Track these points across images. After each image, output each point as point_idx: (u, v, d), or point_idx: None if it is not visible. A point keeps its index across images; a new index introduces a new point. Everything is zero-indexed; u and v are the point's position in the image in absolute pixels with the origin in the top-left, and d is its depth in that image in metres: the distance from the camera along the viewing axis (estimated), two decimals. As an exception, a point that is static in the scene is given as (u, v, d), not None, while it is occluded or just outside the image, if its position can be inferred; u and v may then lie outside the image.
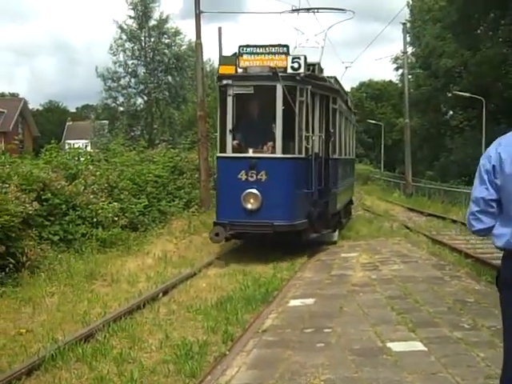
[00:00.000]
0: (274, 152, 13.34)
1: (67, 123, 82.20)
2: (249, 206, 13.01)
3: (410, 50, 53.00)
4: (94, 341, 7.38)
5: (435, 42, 51.75)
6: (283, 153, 13.29)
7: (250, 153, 13.33)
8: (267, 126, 13.33)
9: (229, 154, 13.54)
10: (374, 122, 66.19)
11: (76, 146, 26.54)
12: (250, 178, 13.02)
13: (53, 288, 10.55)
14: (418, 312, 8.14)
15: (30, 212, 12.33)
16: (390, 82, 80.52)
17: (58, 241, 13.67)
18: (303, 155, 13.52)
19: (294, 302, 8.97)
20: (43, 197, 13.97)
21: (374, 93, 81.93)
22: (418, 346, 6.69)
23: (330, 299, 9.18)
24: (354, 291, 9.63)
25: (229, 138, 13.43)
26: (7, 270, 10.78)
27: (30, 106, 74.51)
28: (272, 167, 13.12)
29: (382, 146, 65.94)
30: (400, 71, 56.45)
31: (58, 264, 12.24)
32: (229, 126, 13.33)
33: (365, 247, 14.76)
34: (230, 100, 13.30)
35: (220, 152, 13.96)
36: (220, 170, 14.33)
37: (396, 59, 63.40)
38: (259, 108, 13.94)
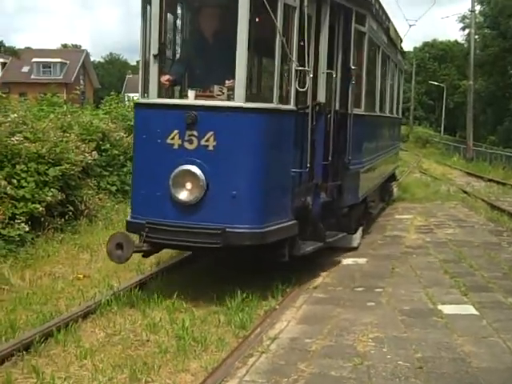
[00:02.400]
0: (231, 98, 7.04)
1: (127, 76, 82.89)
2: (182, 196, 6.88)
3: (478, 8, 51.13)
4: (148, 289, 7.55)
5: (505, 1, 49.81)
6: (248, 100, 6.95)
7: (190, 98, 7.12)
8: (222, 52, 7.34)
9: (152, 99, 7.28)
10: (436, 83, 64.61)
11: (135, 98, 26.78)
12: (188, 146, 6.90)
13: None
14: (471, 276, 8.03)
15: (90, 162, 12.58)
16: (456, 42, 78.16)
17: (116, 191, 13.93)
18: (291, 106, 7.34)
19: (346, 261, 8.96)
20: (102, 147, 14.21)
21: (437, 53, 79.74)
22: (470, 309, 6.62)
23: (382, 260, 9.14)
24: (407, 253, 9.55)
25: (153, 69, 7.30)
26: (66, 217, 11.10)
27: (92, 58, 75.50)
28: (227, 126, 6.89)
29: (444, 108, 64.46)
30: (466, 31, 54.62)
31: (114, 214, 12.51)
32: (154, 48, 7.29)
33: (420, 210, 14.58)
34: (156, 3, 7.31)
35: (141, 97, 7.71)
36: (137, 128, 7.72)
37: (463, 18, 61.21)
38: (209, 19, 7.85)
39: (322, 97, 8.07)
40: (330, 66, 8.33)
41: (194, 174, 6.83)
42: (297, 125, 7.41)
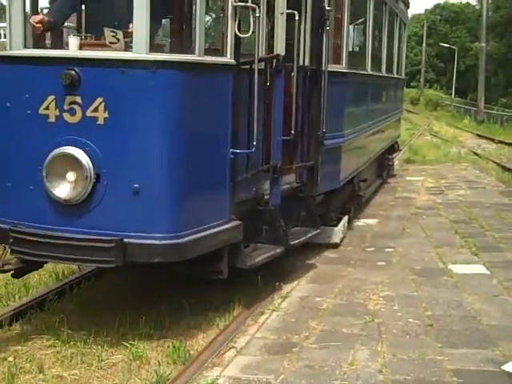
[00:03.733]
0: (129, 47, 4.88)
1: None
2: (60, 193, 4.82)
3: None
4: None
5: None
6: (155, 49, 4.92)
7: (71, 48, 5.02)
8: None
9: (16, 49, 5.06)
10: (447, 45, 63.80)
11: None
12: (68, 118, 4.80)
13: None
14: (482, 237, 8.03)
15: None
16: (467, 4, 76.99)
17: None
18: (226, 58, 5.21)
19: (356, 222, 8.96)
20: None
21: (449, 15, 78.56)
22: (481, 269, 6.63)
23: (392, 220, 9.14)
24: (418, 214, 9.55)
25: (16, 4, 5.04)
26: None
27: None
28: (123, 89, 4.77)
29: (455, 71, 63.76)
30: (478, -8, 53.71)
31: None
32: None
33: (431, 172, 14.53)
34: None
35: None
36: None
37: (475, -21, 60.37)
38: None
39: (280, 47, 5.84)
40: (294, 4, 6.16)
41: (77, 160, 4.66)
42: (237, 86, 5.15)
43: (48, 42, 5.58)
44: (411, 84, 73.45)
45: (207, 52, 5.12)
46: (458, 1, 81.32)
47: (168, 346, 4.80)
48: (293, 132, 6.22)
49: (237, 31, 5.12)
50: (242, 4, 5.13)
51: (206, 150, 5.00)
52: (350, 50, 8.34)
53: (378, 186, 11.81)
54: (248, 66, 5.32)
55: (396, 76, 13.00)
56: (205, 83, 4.98)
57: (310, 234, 6.58)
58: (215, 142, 5.13)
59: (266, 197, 5.90)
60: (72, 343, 4.96)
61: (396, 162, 14.46)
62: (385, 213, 9.70)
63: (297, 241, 6.26)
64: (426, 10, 78.18)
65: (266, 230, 5.97)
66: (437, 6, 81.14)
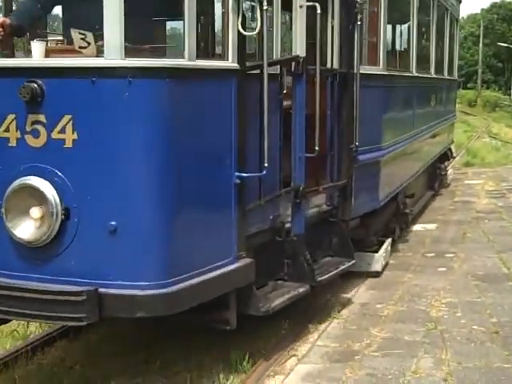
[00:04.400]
0: (101, 52, 3.84)
1: None
2: (21, 233, 3.85)
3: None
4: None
5: None
6: (131, 53, 3.80)
7: (34, 56, 3.97)
8: None
9: None
10: (504, 45, 62.40)
11: None
12: (31, 142, 3.85)
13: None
14: (547, 241, 7.80)
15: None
16: (526, 1, 75.18)
17: None
18: (228, 62, 4.23)
19: (415, 227, 8.83)
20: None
21: (506, 14, 76.90)
22: (547, 274, 6.44)
23: (452, 225, 8.97)
24: (479, 218, 9.35)
25: None
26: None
27: None
28: (95, 103, 3.77)
29: (513, 70, 62.27)
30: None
31: None
32: None
33: (491, 174, 14.21)
34: None
35: None
36: None
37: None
38: None
39: (300, 47, 4.94)
40: None
41: (41, 193, 3.77)
42: (242, 95, 4.20)
43: (16, 49, 4.69)
44: (468, 85, 72.09)
45: (202, 55, 4.32)
46: (516, -1, 79.59)
47: (229, 355, 4.80)
48: (317, 148, 5.10)
49: (241, 28, 4.12)
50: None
51: (202, 176, 4.01)
52: (390, 49, 7.72)
53: (430, 199, 10.83)
54: (259, 71, 4.39)
55: (447, 77, 11.77)
56: (198, 93, 3.95)
57: (342, 267, 5.60)
58: (214, 166, 4.11)
59: (287, 225, 4.97)
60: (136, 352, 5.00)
61: (450, 171, 13.09)
62: (444, 217, 9.54)
63: (325, 276, 5.29)
64: (482, 10, 76.72)
65: (288, 264, 5.07)
66: (493, 4, 79.54)
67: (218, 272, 4.11)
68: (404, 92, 7.92)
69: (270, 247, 4.84)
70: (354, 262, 5.79)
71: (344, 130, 5.84)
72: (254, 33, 4.28)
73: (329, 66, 5.71)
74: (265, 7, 4.22)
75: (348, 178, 5.85)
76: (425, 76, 9.37)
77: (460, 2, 13.66)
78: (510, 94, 60.63)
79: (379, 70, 6.67)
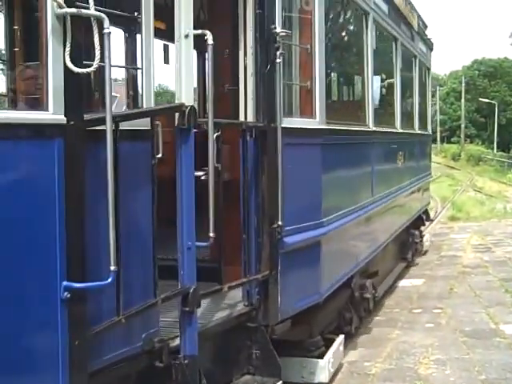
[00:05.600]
0: None
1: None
2: None
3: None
4: None
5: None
6: None
7: None
8: None
9: None
10: (486, 100, 63.66)
11: None
12: None
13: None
14: (534, 295, 7.81)
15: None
16: (506, 58, 77.00)
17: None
18: (50, 112, 2.69)
19: (402, 283, 8.81)
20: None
21: (487, 70, 78.65)
22: (535, 329, 6.42)
23: (439, 280, 8.97)
24: (465, 272, 9.36)
25: None
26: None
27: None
28: None
29: (496, 125, 63.39)
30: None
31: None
32: None
33: (476, 229, 14.29)
34: None
35: None
36: None
37: (512, 34, 60.45)
38: None
39: (185, 93, 3.59)
40: (209, 21, 4.68)
41: None
42: (74, 165, 2.80)
43: None
44: (452, 139, 73.08)
45: (21, 102, 3.13)
46: (496, 56, 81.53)
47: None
48: (211, 235, 3.64)
49: (69, 62, 2.71)
50: (75, 11, 2.72)
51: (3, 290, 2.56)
52: (334, 97, 6.47)
53: (402, 272, 9.34)
54: (90, 127, 2.90)
55: (419, 132, 10.32)
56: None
57: None
58: (25, 273, 2.64)
59: (173, 344, 3.54)
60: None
61: (426, 237, 11.53)
62: (431, 272, 9.54)
63: None
64: (464, 66, 78.44)
65: None
66: (474, 61, 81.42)
67: None
68: (357, 151, 6.37)
69: (146, 378, 3.44)
70: (280, 382, 4.32)
71: (263, 205, 4.34)
72: (91, 69, 2.75)
73: (242, 118, 4.34)
74: (106, 29, 2.77)
75: (271, 268, 4.34)
76: (387, 131, 7.87)
77: (431, 50, 12.39)
78: (492, 148, 61.58)
79: (315, 123, 5.03)
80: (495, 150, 61.48)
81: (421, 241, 11.00)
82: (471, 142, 68.45)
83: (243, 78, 4.38)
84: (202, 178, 3.97)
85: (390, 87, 8.47)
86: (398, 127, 8.39)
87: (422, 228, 11.51)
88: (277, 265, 4.40)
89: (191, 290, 3.50)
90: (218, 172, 3.81)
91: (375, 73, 7.16)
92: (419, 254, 10.78)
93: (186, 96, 3.57)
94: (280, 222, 4.35)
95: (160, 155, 3.31)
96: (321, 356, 5.13)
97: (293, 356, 5.04)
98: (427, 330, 6.52)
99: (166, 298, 3.40)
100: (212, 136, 3.70)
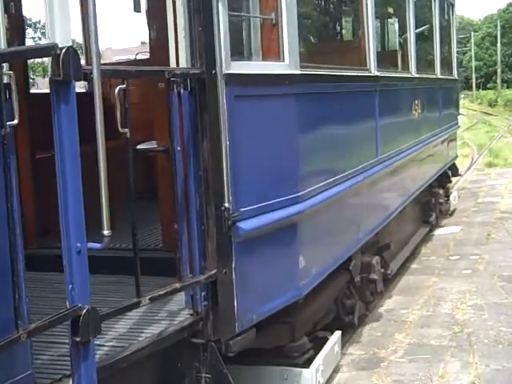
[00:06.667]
0: None
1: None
2: None
3: None
4: None
5: None
6: None
7: None
8: None
9: None
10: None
11: None
12: None
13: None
14: None
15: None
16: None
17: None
18: None
19: (438, 231, 8.75)
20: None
21: (523, 12, 76.39)
22: None
23: (476, 227, 8.87)
24: (503, 218, 9.22)
25: None
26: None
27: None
28: None
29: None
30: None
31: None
32: None
33: (514, 174, 14.08)
34: None
35: None
36: None
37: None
38: None
39: (59, 30, 2.41)
40: None
41: None
42: None
43: None
44: (488, 86, 71.53)
45: None
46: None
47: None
48: (106, 233, 2.51)
49: None
50: None
51: None
52: (314, 33, 5.34)
53: (422, 239, 8.08)
54: None
55: (442, 77, 8.80)
56: None
57: None
58: None
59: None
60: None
61: (453, 195, 10.42)
62: (468, 219, 9.43)
63: None
64: (499, 10, 76.34)
65: None
66: (510, 4, 79.09)
67: None
68: (353, 102, 4.99)
69: None
70: None
71: (206, 181, 3.15)
72: None
73: (173, 64, 3.16)
74: None
75: (222, 264, 3.19)
76: (398, 76, 6.56)
77: None
78: (531, 93, 60.21)
79: (282, 67, 3.70)
80: (534, 94, 60.16)
81: (447, 200, 9.70)
82: (508, 88, 66.99)
83: (171, 9, 3.15)
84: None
85: (402, 23, 7.01)
86: (413, 71, 6.90)
87: (450, 185, 10.29)
88: (229, 259, 3.22)
89: (83, 312, 2.37)
90: (126, 140, 2.68)
91: (379, 4, 5.81)
92: (445, 216, 9.57)
93: (61, 33, 2.40)
94: (226, 204, 3.14)
95: (16, 122, 2.22)
96: (308, 362, 4.04)
97: (271, 364, 3.96)
98: (464, 277, 6.47)
99: (38, 329, 2.25)
100: (98, 89, 2.43)
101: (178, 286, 3.01)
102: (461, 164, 16.79)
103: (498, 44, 63.49)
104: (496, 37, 63.96)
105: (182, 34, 3.10)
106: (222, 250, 3.19)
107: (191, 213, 3.16)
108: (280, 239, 3.69)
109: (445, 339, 4.86)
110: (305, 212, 3.80)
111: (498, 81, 63.50)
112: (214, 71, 3.08)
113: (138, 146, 3.75)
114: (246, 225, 3.28)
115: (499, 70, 64.06)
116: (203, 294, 3.19)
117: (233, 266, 3.24)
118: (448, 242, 8.10)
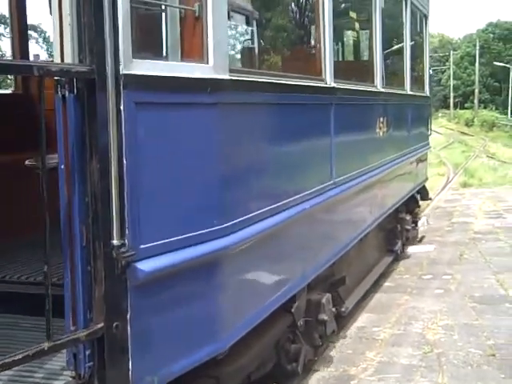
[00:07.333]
0: None
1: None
2: None
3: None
4: None
5: None
6: None
7: None
8: None
9: None
10: (501, 64, 62.85)
11: None
12: None
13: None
14: (545, 261, 7.79)
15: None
16: (521, 21, 75.83)
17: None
18: None
19: (412, 249, 8.82)
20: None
21: (502, 33, 77.51)
22: (544, 295, 6.43)
23: (450, 246, 8.97)
24: (476, 239, 9.34)
25: None
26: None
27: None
28: None
29: (510, 90, 62.68)
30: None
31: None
32: None
33: (488, 195, 14.22)
34: None
35: None
36: None
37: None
38: None
39: None
40: None
41: None
42: None
43: None
44: (465, 105, 72.38)
45: None
46: (511, 18, 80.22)
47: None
48: None
49: None
50: None
51: None
52: (252, 35, 4.86)
53: (386, 269, 7.46)
54: None
55: (411, 93, 8.06)
56: None
57: None
58: None
59: None
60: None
61: (422, 221, 10.05)
62: (441, 239, 9.54)
63: None
64: (478, 30, 77.47)
65: None
66: (489, 24, 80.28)
67: None
68: (300, 116, 4.15)
69: None
70: None
71: (92, 210, 2.48)
72: None
73: (57, 59, 2.50)
74: None
75: (114, 315, 2.52)
76: (359, 89, 5.74)
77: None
78: (507, 114, 60.99)
79: (205, 70, 2.96)
80: (509, 115, 60.89)
81: (414, 227, 9.08)
82: (485, 108, 67.85)
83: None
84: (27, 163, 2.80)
85: (368, 32, 6.40)
86: (379, 85, 6.23)
87: (418, 210, 9.61)
88: (123, 309, 2.54)
89: None
90: None
91: (338, 8, 5.21)
92: (412, 243, 9.02)
93: None
94: (115, 241, 2.47)
95: None
96: None
97: None
98: (436, 296, 6.54)
99: None
100: None
101: (45, 346, 2.27)
102: (436, 183, 17.02)
103: (477, 64, 64.38)
104: (474, 56, 64.87)
105: (67, 20, 2.43)
106: (112, 297, 2.49)
107: (75, 250, 2.48)
108: (195, 282, 2.93)
109: (415, 359, 4.91)
110: (230, 248, 3.06)
111: (476, 101, 64.32)
112: (104, 71, 2.44)
113: (27, 162, 3.15)
114: (146, 266, 2.58)
115: (477, 90, 64.92)
116: (87, 352, 2.51)
117: (127, 317, 2.54)
118: (422, 260, 8.18)
